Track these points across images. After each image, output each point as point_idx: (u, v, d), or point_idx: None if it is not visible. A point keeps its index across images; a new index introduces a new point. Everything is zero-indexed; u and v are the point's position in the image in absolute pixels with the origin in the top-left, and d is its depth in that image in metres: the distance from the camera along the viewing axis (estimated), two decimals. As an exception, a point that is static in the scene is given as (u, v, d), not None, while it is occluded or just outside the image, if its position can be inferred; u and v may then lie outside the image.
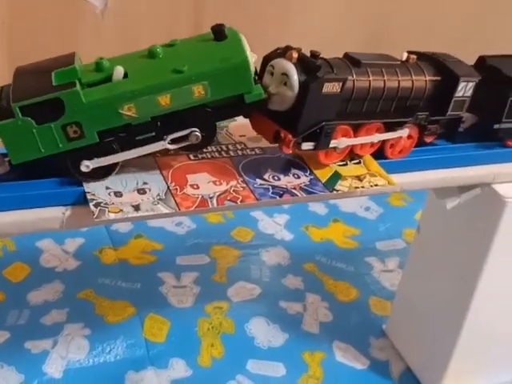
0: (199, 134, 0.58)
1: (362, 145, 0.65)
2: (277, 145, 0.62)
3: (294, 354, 0.92)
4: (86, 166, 0.57)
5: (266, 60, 0.61)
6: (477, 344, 0.84)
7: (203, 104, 0.57)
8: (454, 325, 0.83)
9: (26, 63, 0.61)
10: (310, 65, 0.58)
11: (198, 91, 0.56)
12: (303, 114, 0.59)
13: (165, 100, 0.56)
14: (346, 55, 0.64)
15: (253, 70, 0.58)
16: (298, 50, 0.61)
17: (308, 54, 0.60)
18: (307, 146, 0.61)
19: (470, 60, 0.72)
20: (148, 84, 0.55)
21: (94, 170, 0.57)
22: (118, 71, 0.56)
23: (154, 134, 0.58)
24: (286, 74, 0.59)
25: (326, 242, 1.19)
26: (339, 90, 0.60)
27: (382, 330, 0.99)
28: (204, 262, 1.09)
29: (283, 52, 0.60)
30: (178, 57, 0.58)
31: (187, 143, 0.59)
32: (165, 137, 0.58)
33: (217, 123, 0.60)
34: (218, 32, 0.59)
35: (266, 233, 1.20)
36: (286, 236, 1.19)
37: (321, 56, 0.61)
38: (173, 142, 0.59)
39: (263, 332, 0.95)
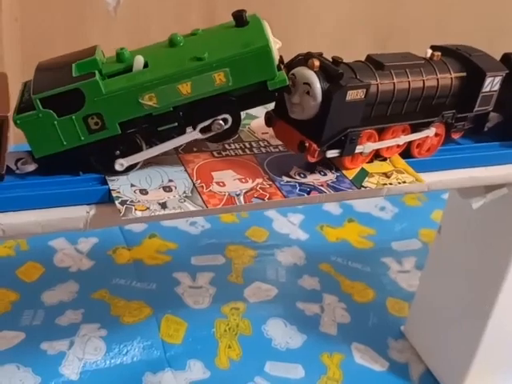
0: (222, 123, 0.57)
1: (388, 147, 0.64)
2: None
3: (312, 355, 0.91)
4: (121, 164, 0.56)
5: (287, 68, 0.60)
6: (499, 346, 0.82)
7: (226, 92, 0.56)
8: (476, 327, 0.82)
9: (39, 59, 0.61)
10: (332, 72, 0.57)
11: (220, 79, 0.55)
12: (327, 122, 0.57)
13: (185, 88, 0.54)
14: (369, 58, 0.63)
15: (277, 57, 0.57)
16: (320, 55, 0.60)
17: (329, 59, 0.59)
18: (332, 153, 0.60)
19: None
20: (167, 72, 0.54)
21: None
22: (138, 61, 0.55)
23: (176, 124, 0.57)
24: (308, 84, 0.57)
25: (341, 241, 1.18)
26: (363, 97, 0.58)
27: (400, 331, 0.98)
28: (219, 263, 1.08)
29: (304, 59, 0.59)
30: (199, 45, 0.57)
31: (212, 133, 0.58)
32: (187, 127, 0.57)
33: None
34: (239, 18, 0.58)
35: (281, 233, 1.18)
36: (301, 236, 1.18)
37: (342, 61, 0.59)
38: (200, 132, 0.58)
39: (281, 333, 0.94)
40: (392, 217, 1.27)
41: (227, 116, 0.57)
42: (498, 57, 0.71)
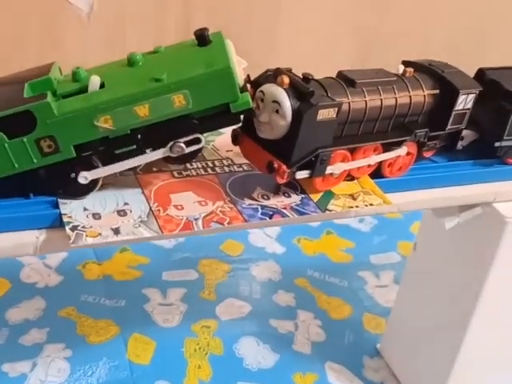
0: (183, 145, 0.55)
1: (358, 167, 0.62)
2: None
3: (284, 375, 0.89)
4: (84, 177, 0.54)
5: (256, 84, 0.57)
6: (475, 365, 0.81)
7: (187, 115, 0.54)
8: (451, 345, 0.80)
9: (8, 68, 0.58)
10: (302, 90, 0.54)
11: (179, 101, 0.52)
12: (297, 143, 0.55)
13: (143, 111, 0.52)
14: (340, 74, 0.61)
15: (241, 77, 0.55)
16: (289, 70, 0.57)
17: (299, 74, 0.57)
18: (302, 174, 0.58)
19: (463, 68, 0.69)
20: (124, 94, 0.52)
21: (74, 186, 0.54)
22: (94, 81, 0.53)
23: (134, 147, 0.55)
24: (277, 102, 0.55)
25: (318, 255, 1.16)
26: (335, 116, 0.56)
27: (376, 349, 0.96)
28: (192, 278, 1.05)
29: (273, 75, 0.57)
30: (159, 64, 0.55)
31: (173, 155, 0.55)
32: (146, 149, 0.55)
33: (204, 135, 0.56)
34: (201, 37, 0.56)
35: (257, 246, 1.16)
36: (278, 249, 1.16)
37: (313, 78, 0.57)
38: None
39: (253, 353, 0.92)
40: (371, 229, 1.25)
41: (188, 139, 0.55)
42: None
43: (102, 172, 0.55)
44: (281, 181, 0.57)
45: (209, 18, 1.22)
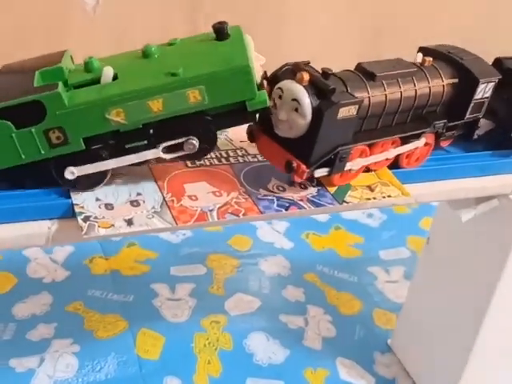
0: (195, 143, 0.53)
1: (376, 161, 0.60)
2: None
3: (295, 371, 0.88)
4: (71, 172, 0.52)
5: (273, 80, 0.55)
6: (489, 361, 0.79)
7: (201, 111, 0.52)
8: (465, 341, 0.79)
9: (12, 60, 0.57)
10: (323, 88, 0.53)
11: (194, 96, 0.51)
12: (317, 142, 0.53)
13: (156, 105, 0.51)
14: (359, 67, 0.59)
15: (259, 73, 0.53)
16: (306, 64, 0.55)
17: (313, 64, 0.55)
18: (321, 172, 0.56)
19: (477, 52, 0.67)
20: (138, 87, 0.50)
21: (81, 179, 0.53)
22: (107, 72, 0.51)
23: (145, 142, 0.53)
24: (297, 100, 0.53)
25: (327, 250, 1.15)
26: (355, 113, 0.54)
27: (387, 344, 0.94)
28: (200, 273, 1.04)
29: (292, 71, 0.55)
30: (175, 58, 0.53)
31: (183, 153, 0.53)
32: (158, 145, 0.53)
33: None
34: (219, 31, 0.54)
35: (265, 241, 1.15)
36: (286, 244, 1.15)
37: (332, 72, 0.55)
38: (168, 150, 0.53)
39: (263, 348, 0.91)
40: (380, 224, 1.24)
41: (202, 136, 0.53)
42: (490, 56, 0.68)
43: (89, 168, 0.52)
44: (299, 180, 0.56)
45: (216, 14, 1.20)
